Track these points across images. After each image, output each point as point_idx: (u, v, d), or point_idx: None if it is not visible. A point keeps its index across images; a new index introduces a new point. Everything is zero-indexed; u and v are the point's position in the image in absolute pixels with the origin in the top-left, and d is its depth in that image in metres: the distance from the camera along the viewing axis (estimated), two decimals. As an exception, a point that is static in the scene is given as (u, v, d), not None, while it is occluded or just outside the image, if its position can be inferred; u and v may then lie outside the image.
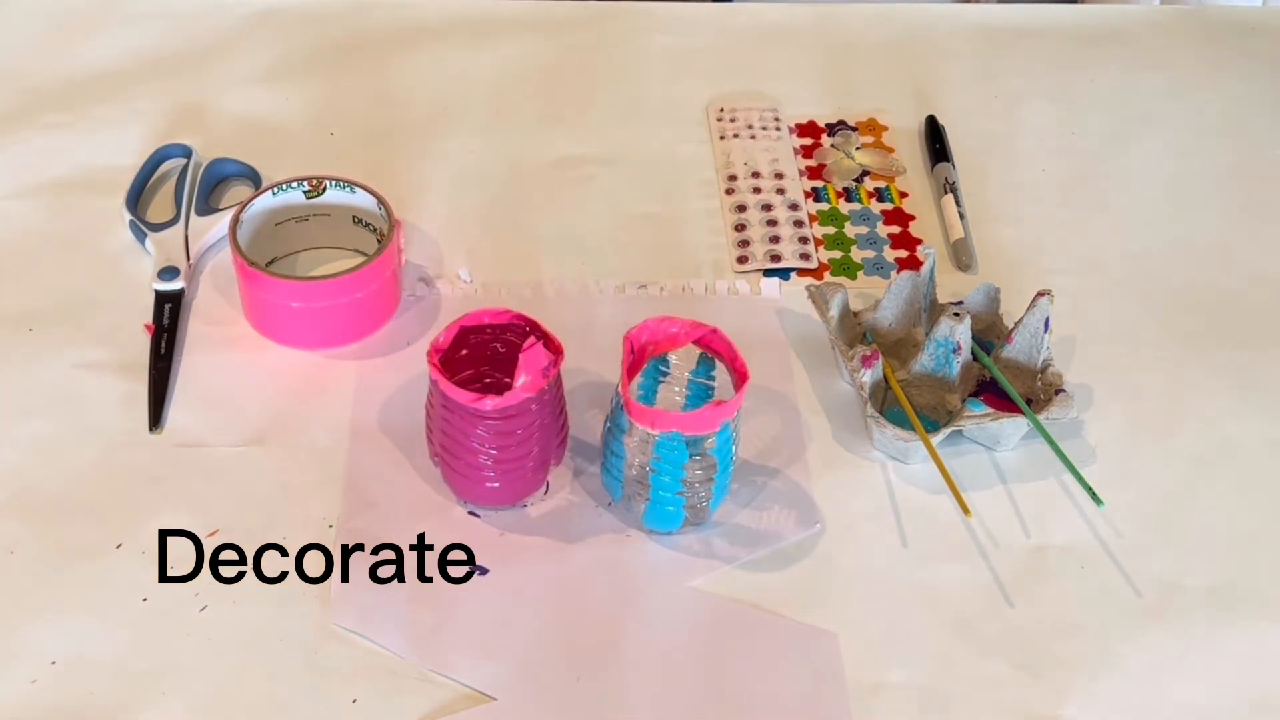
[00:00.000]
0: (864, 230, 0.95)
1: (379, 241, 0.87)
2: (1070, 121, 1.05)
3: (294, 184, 0.87)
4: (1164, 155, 1.03)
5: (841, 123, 1.03)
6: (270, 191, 0.86)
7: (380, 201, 0.86)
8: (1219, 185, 1.00)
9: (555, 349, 0.73)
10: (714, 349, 0.75)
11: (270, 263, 0.88)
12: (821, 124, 1.03)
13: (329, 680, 0.69)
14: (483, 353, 0.77)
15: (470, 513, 0.76)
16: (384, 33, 1.10)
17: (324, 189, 0.87)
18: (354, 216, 0.88)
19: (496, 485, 0.74)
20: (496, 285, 0.89)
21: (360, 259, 0.85)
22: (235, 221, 0.84)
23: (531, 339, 0.72)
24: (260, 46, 1.07)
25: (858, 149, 1.01)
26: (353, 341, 0.85)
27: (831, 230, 0.94)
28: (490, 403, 0.71)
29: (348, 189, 0.88)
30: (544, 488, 0.77)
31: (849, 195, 0.97)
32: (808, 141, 1.02)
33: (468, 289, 0.89)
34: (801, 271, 0.91)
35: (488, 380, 0.78)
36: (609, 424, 0.74)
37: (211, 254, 0.90)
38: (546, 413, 0.74)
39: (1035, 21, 1.15)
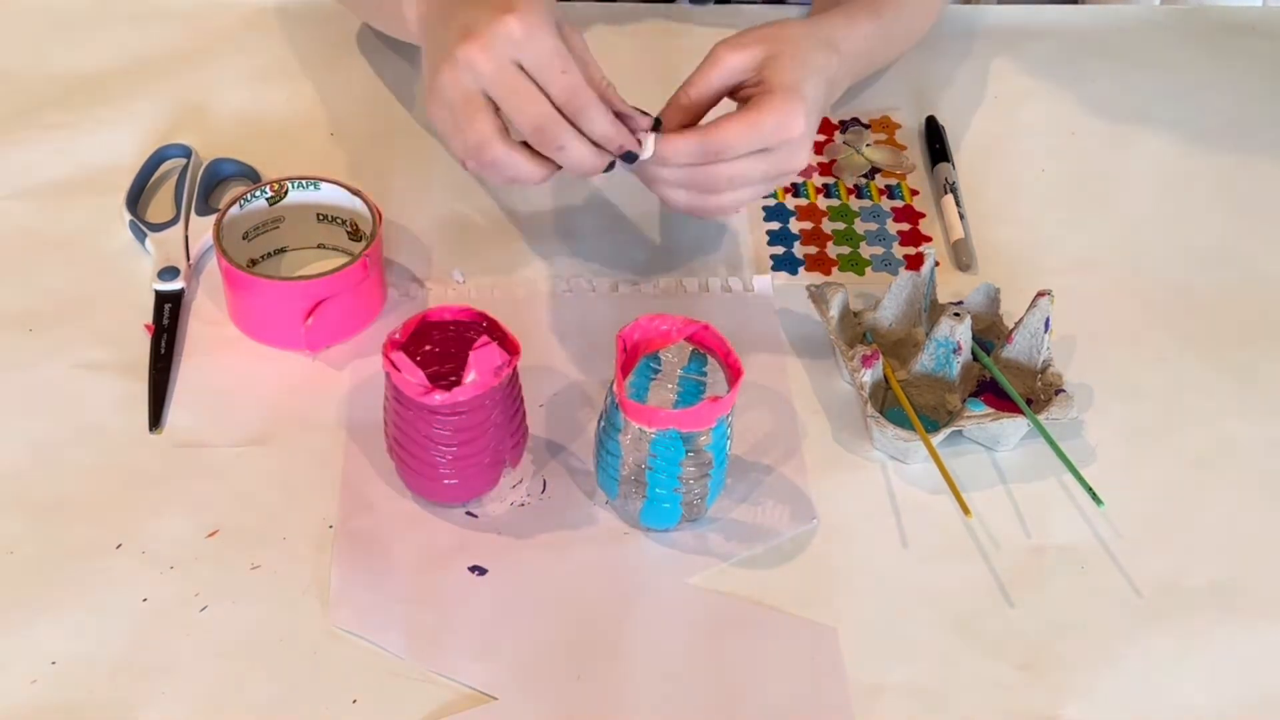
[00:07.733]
0: (873, 227, 0.95)
1: (350, 233, 0.87)
2: (1070, 121, 1.05)
3: (256, 193, 0.86)
4: (1164, 155, 1.03)
5: (854, 120, 1.03)
6: (237, 205, 0.85)
7: (354, 193, 0.86)
8: (1219, 185, 1.00)
9: (512, 348, 0.73)
10: (706, 345, 0.75)
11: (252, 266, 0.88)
12: (834, 120, 1.03)
13: (329, 680, 0.69)
14: (448, 349, 0.77)
15: (468, 513, 0.76)
16: (384, 33, 1.09)
17: (285, 191, 0.87)
18: (318, 214, 0.88)
19: (454, 482, 0.74)
20: (490, 285, 0.89)
21: (332, 253, 0.88)
22: (219, 228, 0.83)
23: (484, 338, 0.72)
24: (260, 46, 1.07)
25: (868, 145, 1.01)
26: (350, 336, 0.85)
27: (841, 226, 0.94)
28: (440, 397, 0.71)
29: (311, 186, 0.87)
30: (498, 486, 0.77)
31: (860, 192, 0.97)
32: (820, 138, 1.01)
33: (461, 289, 0.89)
34: (810, 265, 0.91)
35: (453, 379, 0.77)
36: (603, 422, 0.74)
37: (211, 254, 0.90)
38: (499, 411, 0.73)
39: (1035, 21, 1.15)
